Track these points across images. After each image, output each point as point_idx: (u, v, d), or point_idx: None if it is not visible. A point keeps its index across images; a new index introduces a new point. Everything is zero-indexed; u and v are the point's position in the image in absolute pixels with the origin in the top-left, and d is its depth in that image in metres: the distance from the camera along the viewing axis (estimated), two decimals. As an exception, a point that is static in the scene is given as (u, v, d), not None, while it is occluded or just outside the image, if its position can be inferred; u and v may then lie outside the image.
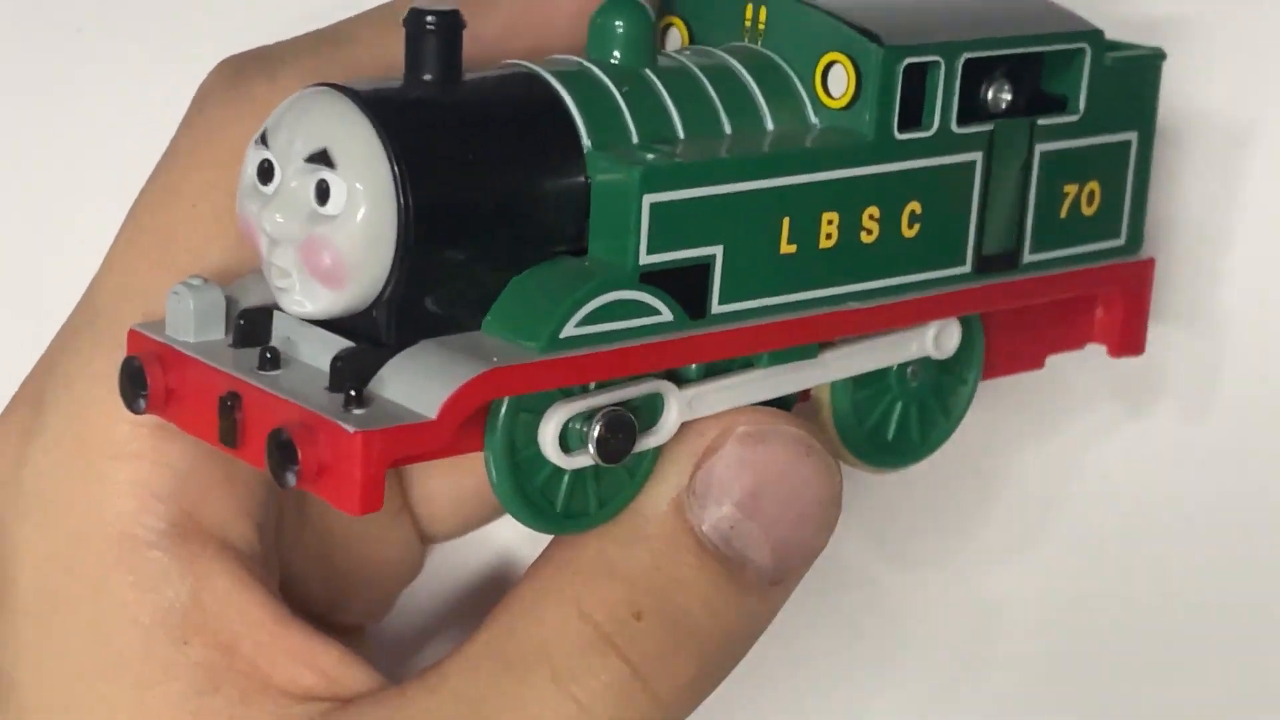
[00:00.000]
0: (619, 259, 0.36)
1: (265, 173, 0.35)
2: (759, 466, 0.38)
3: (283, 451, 0.33)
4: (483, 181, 0.35)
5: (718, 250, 0.36)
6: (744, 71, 0.38)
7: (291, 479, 0.33)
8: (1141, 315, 0.44)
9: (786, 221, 0.37)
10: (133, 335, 0.37)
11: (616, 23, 0.38)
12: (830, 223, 0.38)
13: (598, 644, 0.37)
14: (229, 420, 0.35)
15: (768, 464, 0.38)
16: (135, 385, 0.36)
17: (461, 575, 0.52)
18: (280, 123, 0.35)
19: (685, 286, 0.36)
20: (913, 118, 0.39)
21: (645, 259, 0.36)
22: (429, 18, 0.35)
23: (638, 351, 0.36)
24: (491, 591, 0.51)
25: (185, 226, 0.39)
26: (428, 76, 0.35)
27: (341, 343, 0.35)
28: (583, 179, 0.36)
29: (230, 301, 0.37)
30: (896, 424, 0.41)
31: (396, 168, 0.34)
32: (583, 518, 0.37)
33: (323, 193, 0.34)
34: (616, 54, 0.38)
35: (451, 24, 0.35)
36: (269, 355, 0.35)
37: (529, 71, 0.37)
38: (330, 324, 0.35)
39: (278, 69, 0.39)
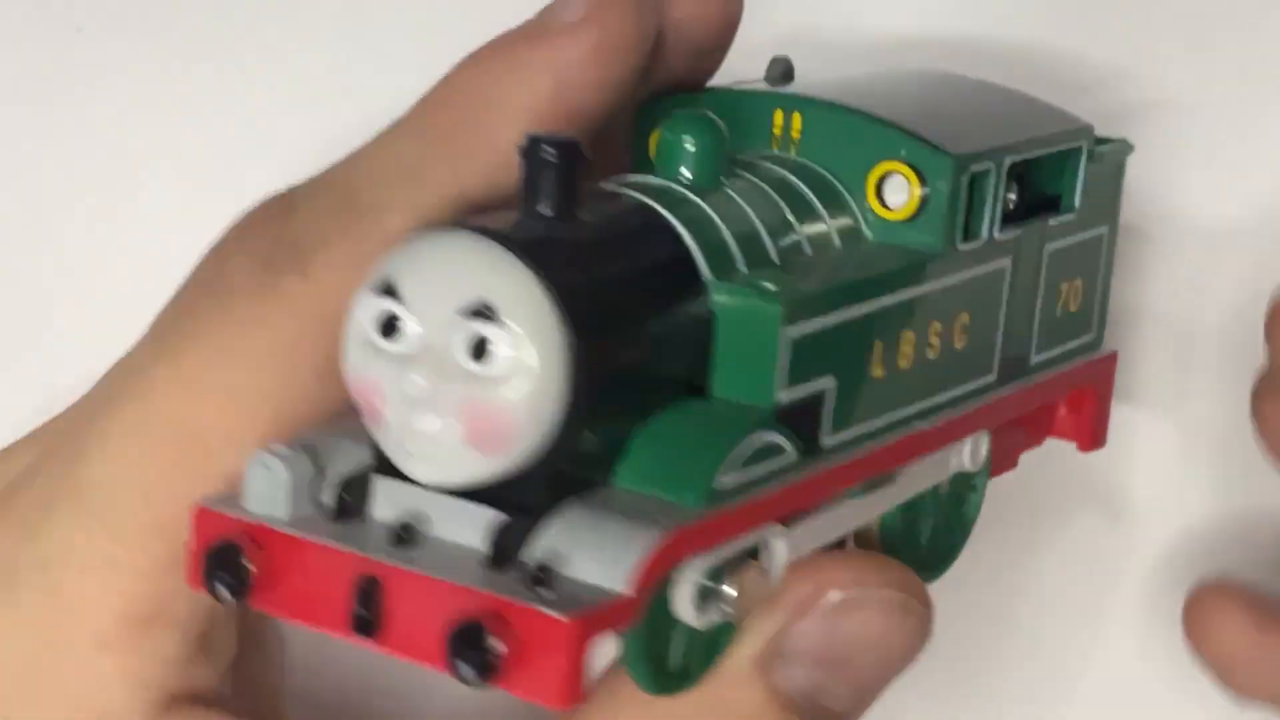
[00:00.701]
0: (757, 397, 0.33)
1: (390, 326, 0.31)
2: (852, 635, 0.36)
3: (472, 646, 0.30)
4: (626, 326, 0.32)
5: (831, 381, 0.35)
6: (801, 185, 0.37)
7: (476, 675, 0.30)
8: (1106, 408, 0.44)
9: (879, 345, 0.36)
10: (204, 514, 0.33)
11: (686, 139, 0.35)
12: (908, 342, 0.36)
13: None
14: (369, 609, 0.31)
15: (861, 631, 0.36)
16: (227, 571, 0.32)
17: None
18: (412, 270, 0.31)
19: (803, 422, 0.34)
20: (966, 227, 0.37)
21: (782, 396, 0.33)
22: (548, 148, 0.32)
23: (777, 497, 0.33)
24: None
25: (208, 424, 0.35)
26: (545, 210, 0.32)
27: (483, 512, 0.32)
28: (705, 312, 0.33)
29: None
30: (929, 537, 0.40)
31: (565, 322, 0.31)
32: (688, 678, 0.34)
33: (479, 349, 0.31)
34: (687, 172, 0.35)
35: (572, 154, 0.32)
36: (403, 533, 0.32)
37: (638, 201, 0.34)
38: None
39: (310, 260, 0.35)
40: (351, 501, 0.33)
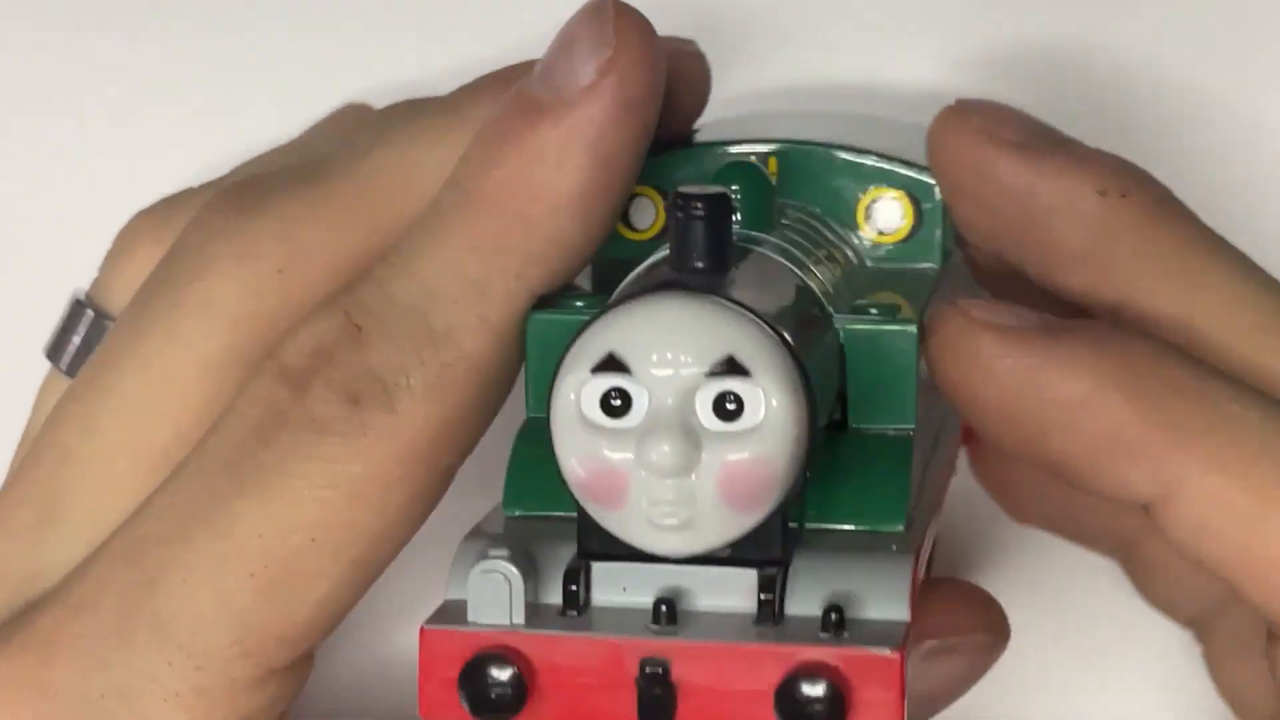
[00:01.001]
0: (900, 420, 0.34)
1: (617, 403, 0.31)
2: (941, 675, 0.39)
3: (798, 704, 0.30)
4: (819, 369, 0.33)
5: None
6: (811, 221, 0.38)
7: None
8: None
9: None
10: (435, 636, 0.31)
11: (734, 188, 0.36)
12: None
13: None
14: (663, 692, 0.30)
15: (950, 672, 0.39)
16: (498, 697, 0.31)
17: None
18: (639, 340, 0.31)
19: None
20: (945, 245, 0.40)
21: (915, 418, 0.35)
22: (698, 204, 0.32)
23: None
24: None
25: (298, 561, 0.35)
26: (699, 263, 0.32)
27: (741, 573, 0.32)
28: (839, 349, 0.34)
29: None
30: None
31: (801, 369, 0.31)
32: None
33: (726, 407, 0.30)
34: (740, 218, 0.36)
35: (723, 206, 0.32)
36: (665, 610, 0.31)
37: (758, 251, 0.35)
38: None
39: (396, 394, 0.34)
40: (575, 595, 0.32)
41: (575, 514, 0.33)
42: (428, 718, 0.31)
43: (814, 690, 0.30)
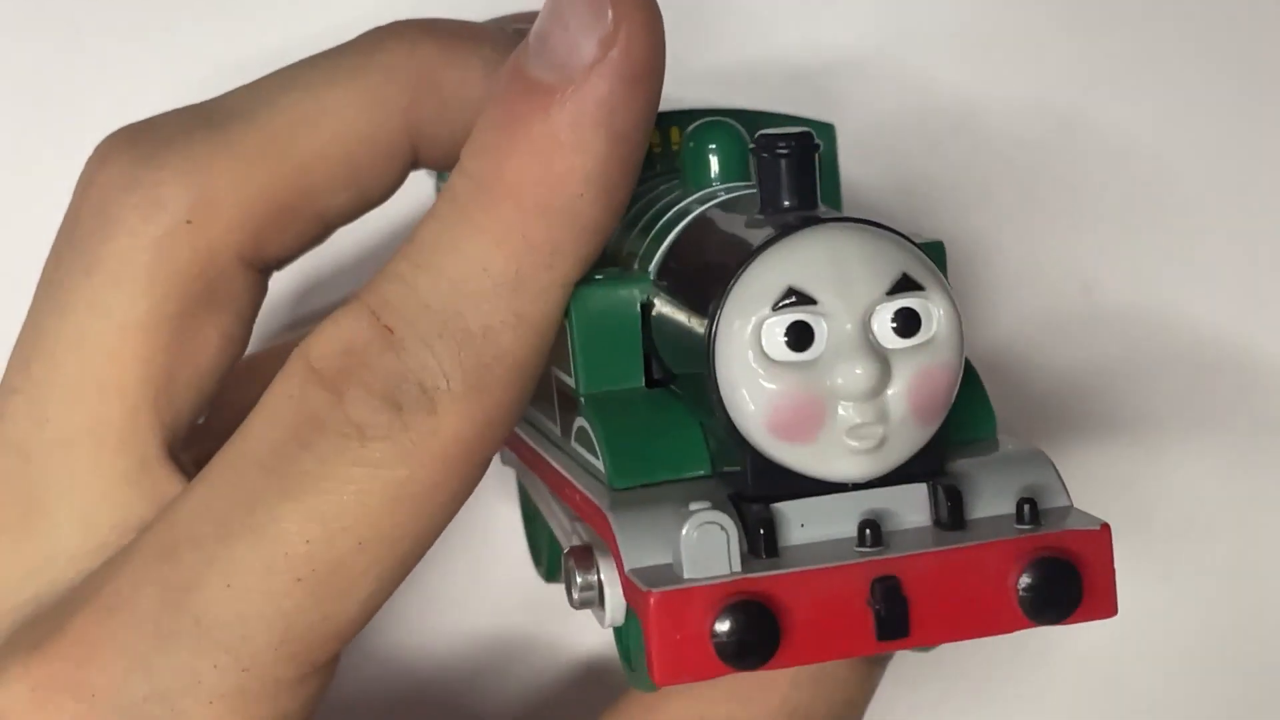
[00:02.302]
0: None
1: (801, 334, 0.31)
2: None
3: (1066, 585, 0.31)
4: None
5: None
6: None
7: (1062, 613, 0.31)
8: None
9: None
10: (667, 598, 0.30)
11: (710, 146, 0.37)
12: None
13: None
14: (897, 607, 0.31)
15: None
16: (758, 641, 0.30)
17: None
18: (818, 273, 0.31)
19: None
20: None
21: None
22: (783, 145, 0.33)
23: None
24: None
25: (345, 565, 0.34)
26: (789, 201, 0.33)
27: (917, 487, 0.32)
28: None
29: None
30: None
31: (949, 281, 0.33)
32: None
33: (909, 323, 0.32)
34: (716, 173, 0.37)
35: (808, 144, 0.33)
36: (870, 530, 0.32)
37: None
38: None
39: (436, 398, 0.34)
40: (773, 538, 0.32)
41: (681, 477, 0.33)
42: (666, 682, 0.30)
43: (1057, 570, 0.31)
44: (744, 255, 0.32)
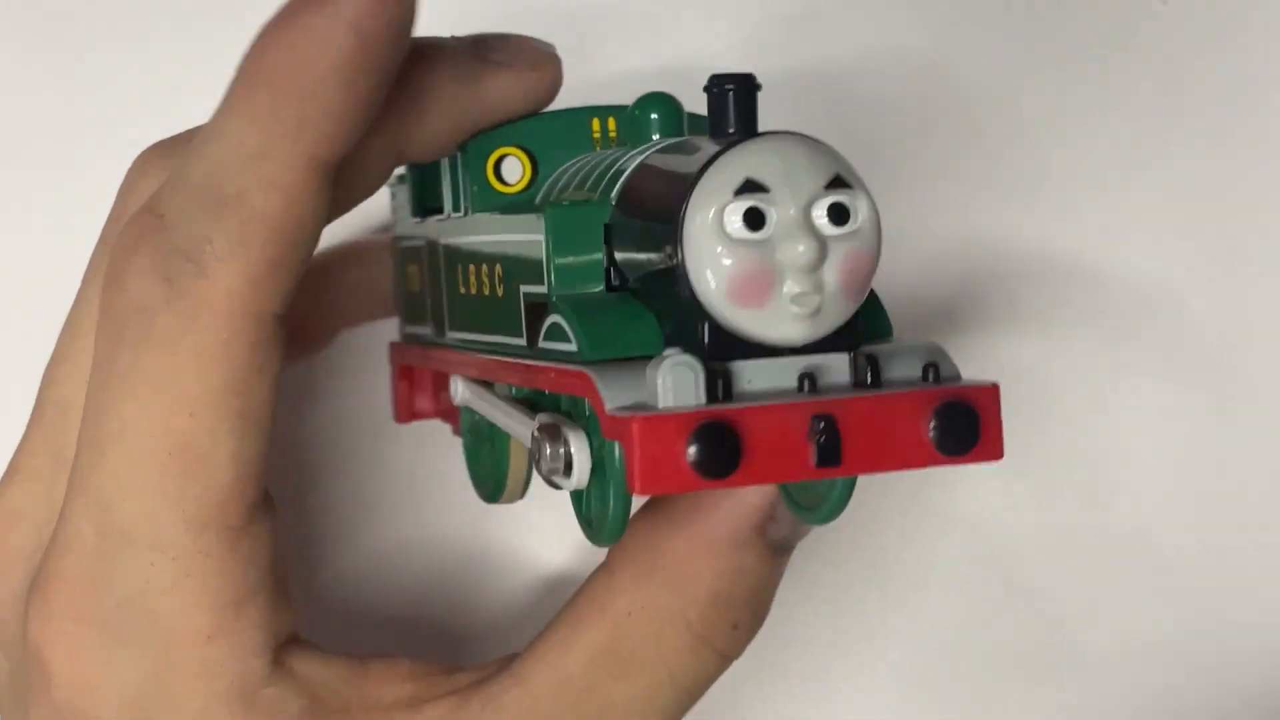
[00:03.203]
0: None
1: (755, 218, 0.38)
2: None
3: (953, 427, 0.38)
4: None
5: None
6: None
7: (961, 447, 0.38)
8: None
9: None
10: (647, 421, 0.36)
11: (653, 115, 0.44)
12: None
13: (703, 649, 0.44)
14: (831, 440, 0.38)
15: None
16: (723, 456, 0.36)
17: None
18: (771, 168, 0.38)
19: None
20: None
21: None
22: (730, 82, 0.40)
23: None
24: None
25: (191, 434, 0.40)
26: (734, 131, 0.39)
27: (840, 356, 0.39)
28: None
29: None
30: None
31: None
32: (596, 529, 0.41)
33: (840, 214, 0.38)
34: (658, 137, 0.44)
35: (750, 83, 0.40)
36: (808, 381, 0.38)
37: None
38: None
39: (203, 261, 0.39)
40: (728, 387, 0.38)
41: (640, 355, 0.39)
42: (645, 491, 0.36)
43: (961, 413, 0.38)
44: (706, 159, 0.38)
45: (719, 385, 0.37)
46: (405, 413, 0.53)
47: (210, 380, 0.39)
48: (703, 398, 0.37)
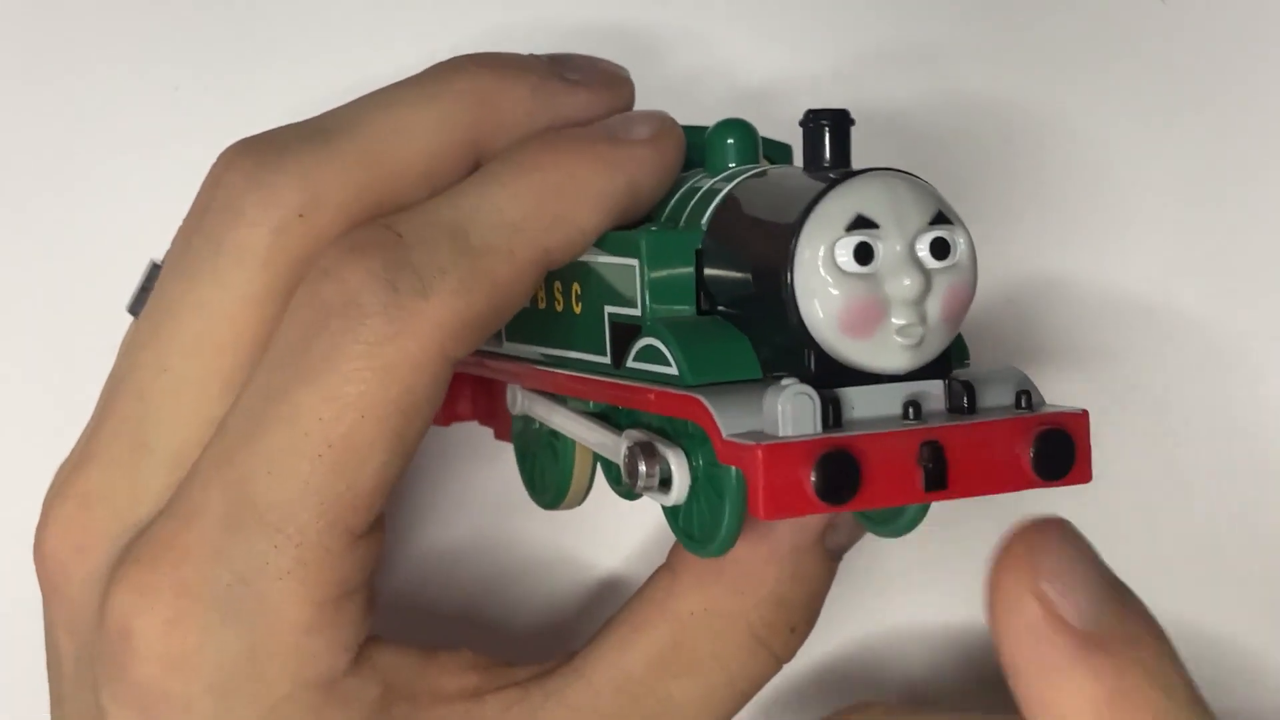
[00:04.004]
0: None
1: (866, 254, 0.40)
2: None
3: (1053, 455, 0.40)
4: None
5: None
6: None
7: (1057, 473, 0.40)
8: None
9: None
10: (772, 450, 0.38)
11: (729, 140, 0.45)
12: None
13: (760, 650, 0.46)
14: (938, 465, 0.39)
15: None
16: (844, 482, 0.38)
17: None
18: (880, 205, 0.39)
19: None
20: None
21: None
22: (825, 118, 0.42)
23: None
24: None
25: (353, 435, 0.41)
26: (827, 164, 0.41)
27: (937, 382, 0.41)
28: None
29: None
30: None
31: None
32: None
33: (942, 249, 0.40)
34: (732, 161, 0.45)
35: (844, 119, 0.42)
36: (913, 408, 0.40)
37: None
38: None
39: (431, 283, 0.41)
40: (839, 414, 0.40)
41: (738, 379, 0.41)
42: (770, 517, 0.38)
43: (1058, 439, 0.40)
44: (815, 193, 0.40)
45: (830, 413, 0.39)
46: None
47: (390, 393, 0.40)
48: (819, 426, 0.38)
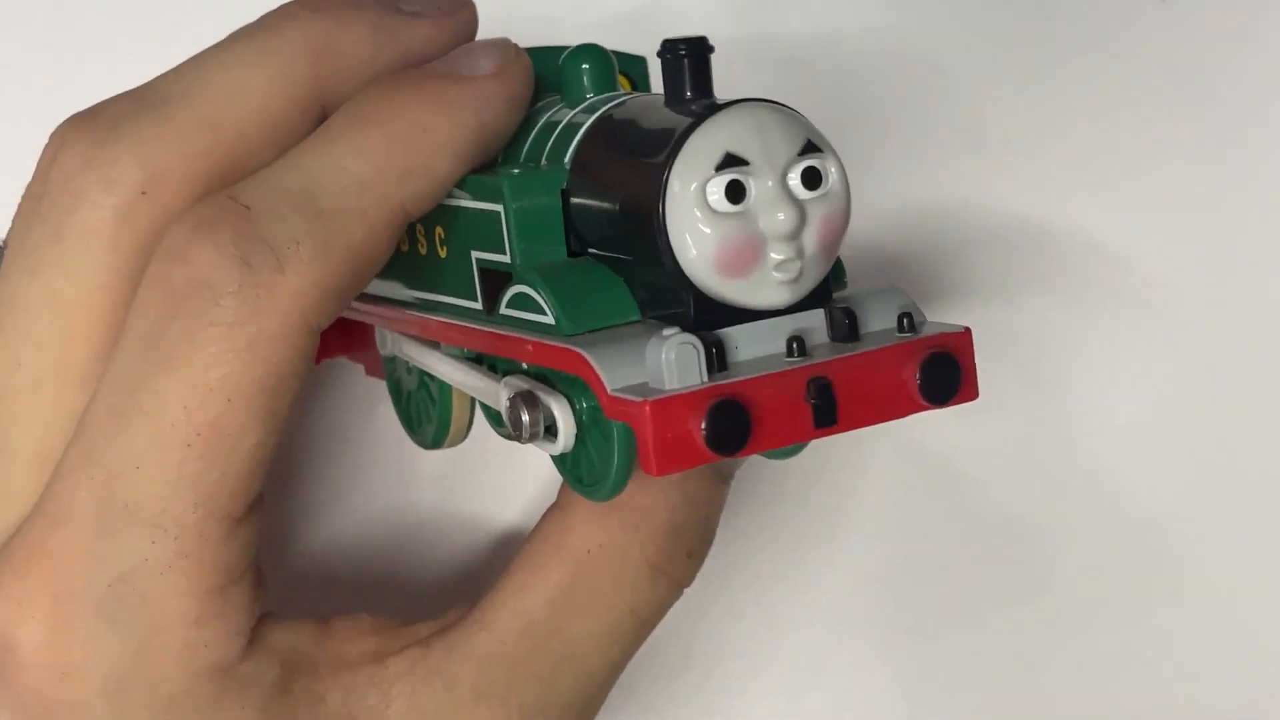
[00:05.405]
0: None
1: (738, 192, 0.39)
2: None
3: (940, 377, 0.40)
4: None
5: None
6: None
7: (946, 396, 0.40)
8: None
9: None
10: (659, 404, 0.37)
11: (584, 66, 0.44)
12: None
13: (660, 578, 0.46)
14: (827, 401, 0.39)
15: None
16: (735, 431, 0.37)
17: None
18: (749, 140, 0.38)
19: None
20: None
21: None
22: (683, 46, 0.41)
23: None
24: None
25: (222, 420, 0.40)
26: (689, 94, 0.40)
27: (817, 312, 0.40)
28: None
29: None
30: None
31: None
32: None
33: (814, 178, 0.39)
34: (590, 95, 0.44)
35: (703, 46, 0.40)
36: (796, 344, 0.39)
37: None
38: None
39: (286, 257, 0.40)
40: (723, 357, 0.39)
41: (616, 323, 0.40)
42: (661, 473, 0.37)
43: (944, 363, 0.39)
44: (681, 130, 0.39)
45: (714, 357, 0.38)
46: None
47: (255, 372, 0.39)
48: (705, 375, 0.38)
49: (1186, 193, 0.60)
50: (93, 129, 0.41)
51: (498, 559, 0.56)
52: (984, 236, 0.60)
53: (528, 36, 0.45)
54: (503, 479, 0.56)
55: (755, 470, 0.54)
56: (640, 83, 0.47)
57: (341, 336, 0.53)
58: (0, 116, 0.52)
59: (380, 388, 0.51)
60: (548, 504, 0.45)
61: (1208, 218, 0.60)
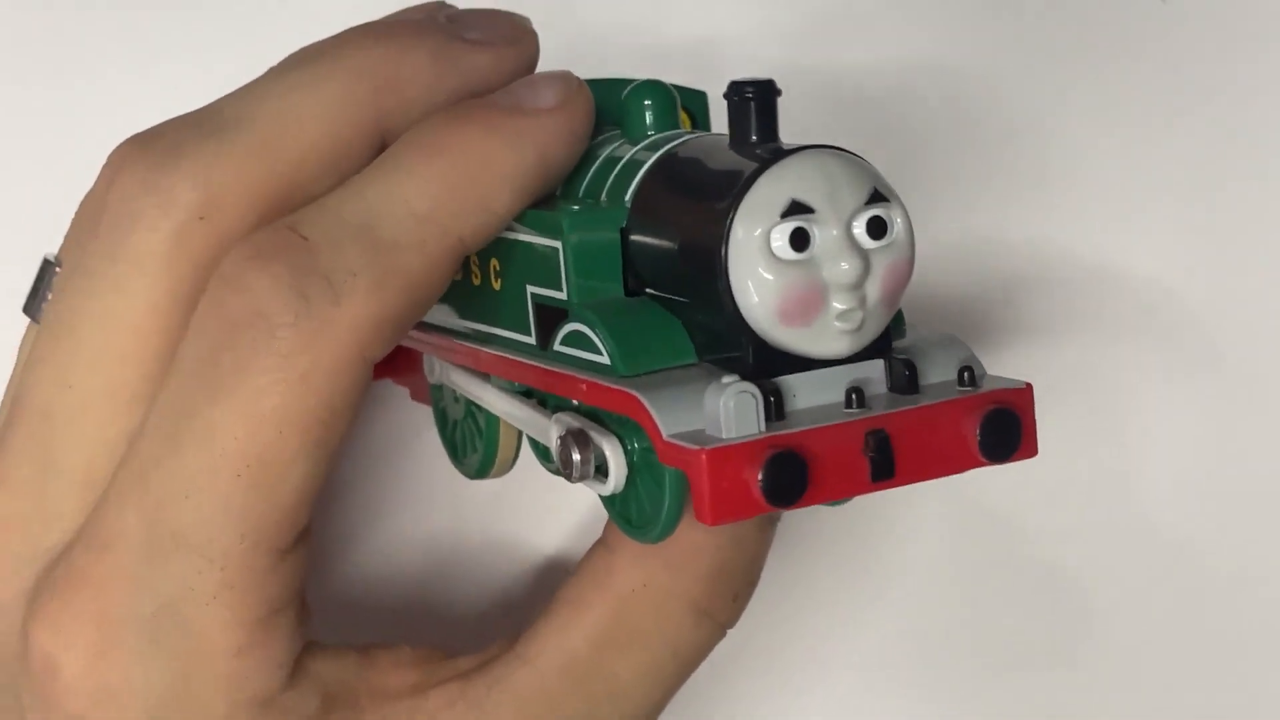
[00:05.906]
0: None
1: (802, 240, 0.38)
2: None
3: (1001, 433, 0.39)
4: None
5: None
6: None
7: (1007, 451, 0.39)
8: None
9: None
10: (716, 454, 0.37)
11: (646, 102, 0.44)
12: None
13: (704, 620, 0.45)
14: (885, 454, 0.39)
15: None
16: (792, 483, 0.37)
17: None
18: (814, 188, 0.38)
19: None
20: None
21: None
22: (749, 89, 0.40)
23: None
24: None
25: (271, 452, 0.39)
26: (754, 136, 0.40)
27: (876, 362, 0.40)
28: None
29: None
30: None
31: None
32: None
33: (879, 228, 0.39)
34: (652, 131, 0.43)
35: (770, 90, 0.40)
36: (856, 395, 0.39)
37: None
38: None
39: (341, 290, 0.39)
40: (781, 406, 0.38)
41: (673, 365, 0.39)
42: (716, 522, 0.37)
43: (1005, 419, 0.39)
44: (747, 175, 0.38)
45: (771, 406, 0.38)
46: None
47: (307, 404, 0.38)
48: (763, 425, 0.37)
49: (1259, 241, 0.60)
50: (152, 151, 0.41)
51: (540, 589, 0.55)
52: (1037, 275, 0.59)
53: (582, 62, 0.45)
54: (546, 507, 0.55)
55: (802, 512, 0.53)
56: (700, 117, 0.46)
57: (388, 360, 0.52)
58: (53, 137, 0.51)
59: (425, 413, 0.51)
60: (591, 534, 0.45)
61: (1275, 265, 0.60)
